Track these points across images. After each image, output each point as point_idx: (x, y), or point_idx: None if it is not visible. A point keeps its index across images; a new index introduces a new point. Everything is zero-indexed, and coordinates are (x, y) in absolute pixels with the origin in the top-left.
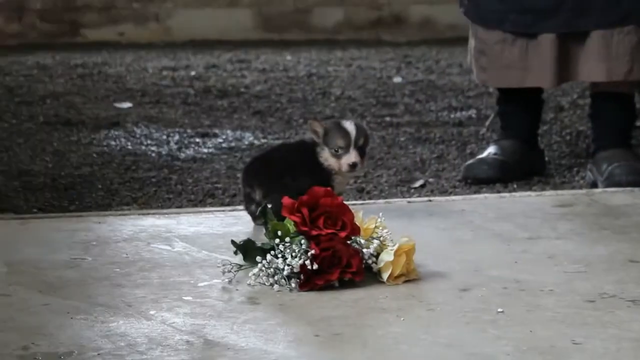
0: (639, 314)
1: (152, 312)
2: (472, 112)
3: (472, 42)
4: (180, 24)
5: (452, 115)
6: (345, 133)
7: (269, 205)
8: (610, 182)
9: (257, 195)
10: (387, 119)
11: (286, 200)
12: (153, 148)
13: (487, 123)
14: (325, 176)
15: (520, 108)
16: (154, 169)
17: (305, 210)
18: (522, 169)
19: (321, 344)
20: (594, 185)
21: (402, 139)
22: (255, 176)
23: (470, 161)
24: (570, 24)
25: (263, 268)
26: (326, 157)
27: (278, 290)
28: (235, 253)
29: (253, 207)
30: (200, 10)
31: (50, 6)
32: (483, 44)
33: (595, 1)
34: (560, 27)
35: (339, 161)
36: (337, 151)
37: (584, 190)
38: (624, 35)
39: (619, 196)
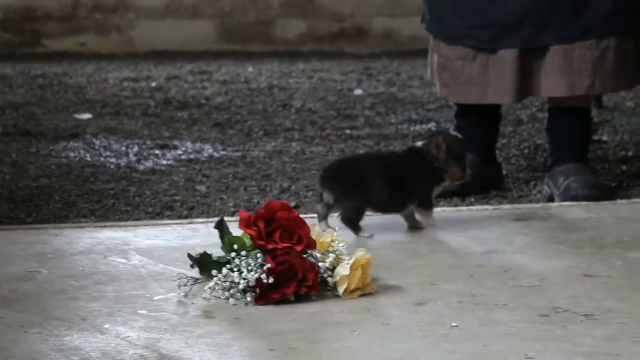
0: (592, 328)
1: (106, 326)
2: (432, 125)
3: (434, 57)
4: (142, 34)
5: (412, 128)
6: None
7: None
8: (567, 195)
9: (328, 199)
10: (347, 131)
11: (242, 213)
12: (112, 159)
13: None
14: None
15: (477, 123)
16: (112, 180)
17: (261, 224)
18: (480, 183)
19: (276, 358)
20: (550, 199)
21: (361, 151)
22: (329, 179)
23: None
24: (532, 39)
25: (219, 282)
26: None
27: (234, 304)
28: (192, 266)
29: (319, 207)
30: (162, 21)
31: (10, 15)
32: (445, 59)
33: (556, 16)
34: (522, 42)
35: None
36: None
37: (540, 204)
38: (585, 49)
39: (574, 210)
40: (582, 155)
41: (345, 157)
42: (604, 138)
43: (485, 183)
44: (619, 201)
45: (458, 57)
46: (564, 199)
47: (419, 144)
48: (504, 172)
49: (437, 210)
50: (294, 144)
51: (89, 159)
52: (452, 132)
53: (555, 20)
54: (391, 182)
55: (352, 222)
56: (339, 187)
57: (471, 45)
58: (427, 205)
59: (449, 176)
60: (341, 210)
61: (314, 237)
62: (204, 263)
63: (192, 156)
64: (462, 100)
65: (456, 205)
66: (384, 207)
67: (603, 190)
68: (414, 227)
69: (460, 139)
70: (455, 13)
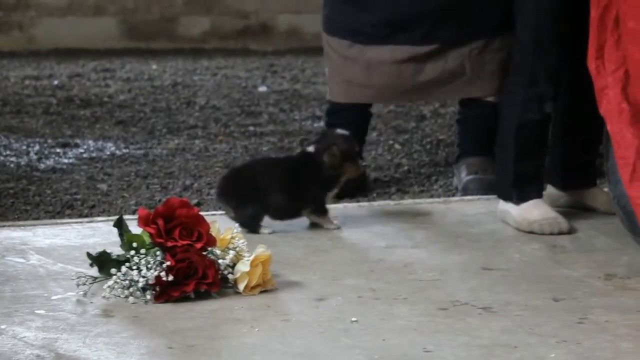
0: (490, 321)
1: (3, 327)
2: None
3: (325, 53)
4: (44, 32)
5: (315, 125)
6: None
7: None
8: (465, 194)
9: (227, 211)
10: (251, 128)
11: (141, 211)
12: (12, 159)
13: None
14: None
15: (344, 121)
16: (12, 180)
17: (160, 222)
18: (347, 184)
19: (175, 356)
20: (457, 189)
21: (265, 148)
22: (224, 193)
23: None
24: (427, 38)
25: (118, 280)
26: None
27: (133, 303)
28: (91, 265)
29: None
30: (64, 19)
31: None
32: (333, 55)
33: (449, 17)
34: (416, 40)
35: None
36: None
37: (441, 199)
38: (480, 50)
39: (474, 205)
40: (488, 149)
41: (239, 166)
42: None
43: (351, 184)
44: None
45: (346, 55)
46: (463, 196)
47: (312, 149)
48: (406, 167)
49: (339, 206)
50: (197, 141)
51: None
52: (340, 131)
53: (451, 20)
54: (286, 189)
55: (250, 229)
56: (234, 200)
57: (359, 41)
58: (321, 211)
59: (346, 175)
60: (239, 219)
61: (214, 234)
62: (103, 262)
63: (94, 154)
64: (346, 100)
65: (358, 201)
66: (280, 215)
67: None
68: (316, 224)
69: (349, 137)
70: (345, 8)
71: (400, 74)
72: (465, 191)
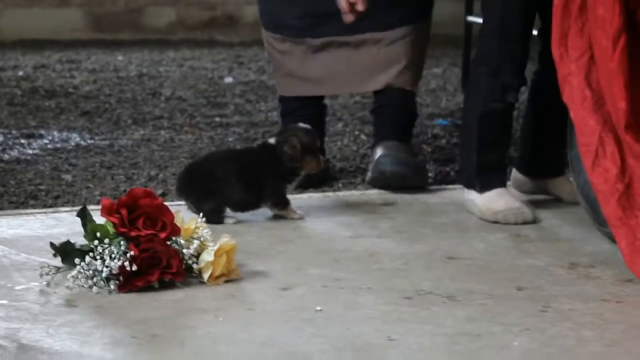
0: (454, 309)
1: None
2: None
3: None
4: (9, 23)
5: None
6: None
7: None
8: (375, 170)
9: (189, 206)
10: (217, 119)
11: (104, 201)
12: None
13: None
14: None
15: (298, 114)
16: None
17: (124, 211)
18: (313, 177)
19: (138, 345)
20: (370, 182)
21: (230, 139)
22: (183, 188)
23: None
24: (348, 28)
25: (82, 270)
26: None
27: (97, 293)
28: (55, 255)
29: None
30: (29, 9)
31: None
32: (270, 50)
33: (374, 7)
34: (340, 30)
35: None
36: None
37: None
38: (402, 40)
39: (440, 195)
40: (402, 136)
41: (197, 161)
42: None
43: (316, 178)
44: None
45: (280, 49)
46: (373, 173)
47: (272, 140)
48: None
49: (304, 196)
50: (162, 132)
51: None
52: (302, 125)
53: (372, 10)
54: (245, 182)
55: (214, 222)
56: (193, 195)
57: (289, 35)
58: (282, 203)
59: (306, 169)
60: (201, 213)
61: (178, 224)
62: (67, 252)
63: (58, 145)
64: (286, 93)
65: (324, 191)
66: (241, 208)
67: (415, 170)
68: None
69: (310, 131)
70: (272, 3)
71: (333, 65)
72: (377, 167)
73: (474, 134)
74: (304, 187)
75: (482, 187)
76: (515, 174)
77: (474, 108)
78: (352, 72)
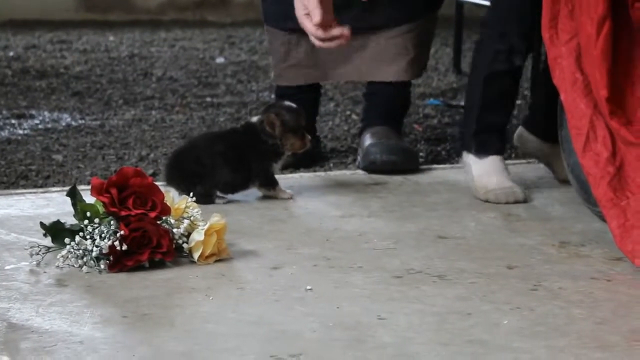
0: (444, 288)
1: None
2: None
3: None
4: (0, 3)
5: (272, 96)
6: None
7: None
8: (366, 160)
9: (180, 194)
10: (208, 99)
11: (94, 180)
12: None
13: None
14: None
15: (295, 99)
16: None
17: (114, 191)
18: (305, 157)
19: (128, 325)
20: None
21: (221, 119)
22: (171, 176)
23: None
24: (359, 20)
25: (72, 250)
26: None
27: (87, 272)
28: (45, 235)
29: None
30: None
31: None
32: (275, 43)
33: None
34: (349, 21)
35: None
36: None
37: None
38: (410, 33)
39: (430, 174)
40: (392, 121)
41: (183, 147)
42: (462, 103)
43: (307, 158)
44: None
45: (282, 42)
46: (364, 162)
47: (255, 119)
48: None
49: (295, 176)
50: (154, 112)
51: None
52: (287, 103)
53: (381, 3)
54: (232, 163)
55: (204, 203)
56: (183, 182)
57: (296, 27)
58: (270, 184)
59: (290, 148)
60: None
61: (168, 203)
62: (57, 231)
63: (49, 125)
64: (292, 83)
65: (315, 171)
66: (230, 189)
67: (405, 155)
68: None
69: (295, 109)
70: None
71: (340, 55)
72: (367, 157)
73: (477, 94)
74: (295, 167)
75: (478, 150)
76: (521, 130)
77: (479, 69)
78: (360, 61)
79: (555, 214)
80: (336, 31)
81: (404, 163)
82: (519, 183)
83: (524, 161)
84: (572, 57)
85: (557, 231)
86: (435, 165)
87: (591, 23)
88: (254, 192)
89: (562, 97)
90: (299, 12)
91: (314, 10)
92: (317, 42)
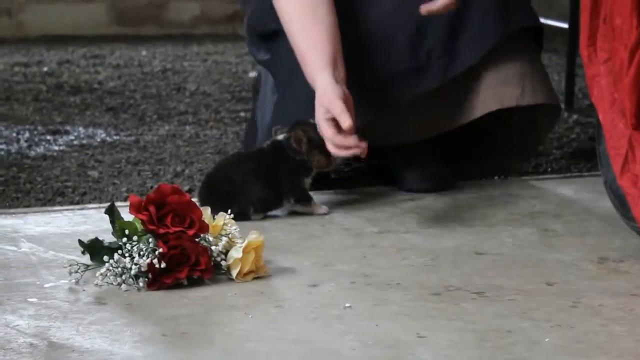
0: (483, 305)
1: None
2: None
3: None
4: (33, 18)
5: None
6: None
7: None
8: (402, 187)
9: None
10: (242, 114)
11: (132, 198)
12: (2, 146)
13: None
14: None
15: None
16: (2, 167)
17: (152, 208)
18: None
19: (168, 343)
20: None
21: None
22: (207, 200)
23: None
24: (444, 75)
25: (110, 267)
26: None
27: (126, 290)
28: (83, 253)
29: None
30: (53, 4)
31: None
32: None
33: (461, 40)
34: (433, 83)
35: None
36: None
37: None
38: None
39: (466, 190)
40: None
41: (213, 170)
42: None
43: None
44: (509, 178)
45: None
46: (400, 189)
47: (281, 137)
48: None
49: (329, 192)
50: (187, 127)
51: None
52: (312, 121)
53: (460, 44)
54: (263, 179)
55: (242, 220)
56: (218, 205)
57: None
58: (304, 200)
59: (316, 165)
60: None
61: (206, 220)
62: (95, 249)
63: (84, 141)
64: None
65: (349, 188)
66: (264, 207)
67: (440, 181)
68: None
69: None
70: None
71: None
72: (403, 183)
73: None
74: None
75: None
76: None
77: None
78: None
79: (592, 229)
80: (352, 140)
81: (440, 187)
82: (552, 197)
83: (559, 175)
84: (611, 77)
85: (595, 247)
86: (470, 181)
87: (624, 49)
88: (289, 208)
89: (600, 116)
90: (320, 115)
91: (341, 114)
92: (332, 149)
